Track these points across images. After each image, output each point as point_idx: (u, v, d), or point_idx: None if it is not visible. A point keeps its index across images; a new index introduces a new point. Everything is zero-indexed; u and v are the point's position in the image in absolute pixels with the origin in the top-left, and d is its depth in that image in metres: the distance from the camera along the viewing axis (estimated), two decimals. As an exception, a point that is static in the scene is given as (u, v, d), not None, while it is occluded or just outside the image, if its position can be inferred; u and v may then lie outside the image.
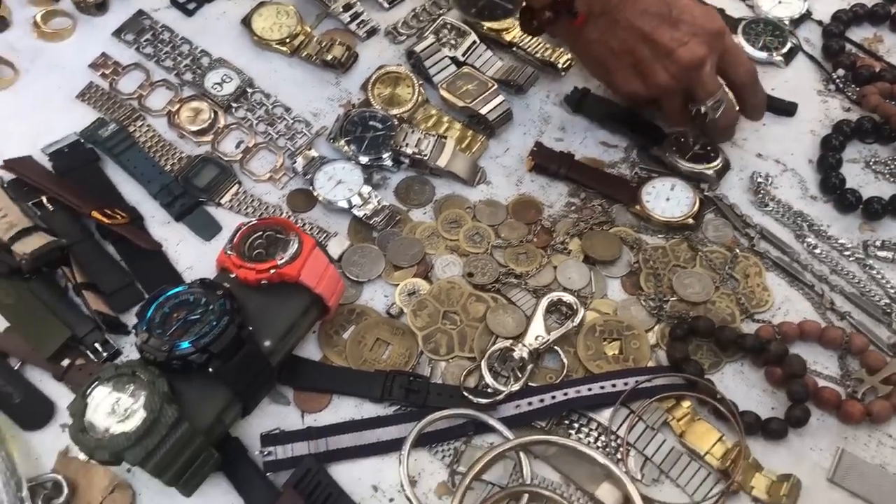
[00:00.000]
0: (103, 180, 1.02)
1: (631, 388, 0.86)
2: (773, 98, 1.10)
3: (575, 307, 0.91)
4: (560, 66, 1.11)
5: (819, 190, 1.04)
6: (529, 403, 0.86)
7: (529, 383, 0.88)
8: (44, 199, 0.97)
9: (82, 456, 0.82)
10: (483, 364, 0.88)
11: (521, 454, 0.83)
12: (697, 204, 0.99)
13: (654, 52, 0.94)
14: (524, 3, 0.99)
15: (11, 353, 0.89)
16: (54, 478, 0.82)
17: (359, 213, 0.99)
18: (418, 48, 1.09)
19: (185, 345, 0.76)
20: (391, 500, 0.82)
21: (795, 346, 0.91)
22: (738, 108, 1.02)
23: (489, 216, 1.01)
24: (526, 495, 0.81)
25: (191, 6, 1.17)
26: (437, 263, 0.97)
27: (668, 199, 1.00)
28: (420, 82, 1.09)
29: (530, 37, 1.12)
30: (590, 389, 0.87)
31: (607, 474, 0.82)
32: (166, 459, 0.74)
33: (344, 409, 0.87)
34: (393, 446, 0.84)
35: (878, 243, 0.99)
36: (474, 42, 1.12)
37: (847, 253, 0.98)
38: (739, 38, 1.15)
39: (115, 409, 0.75)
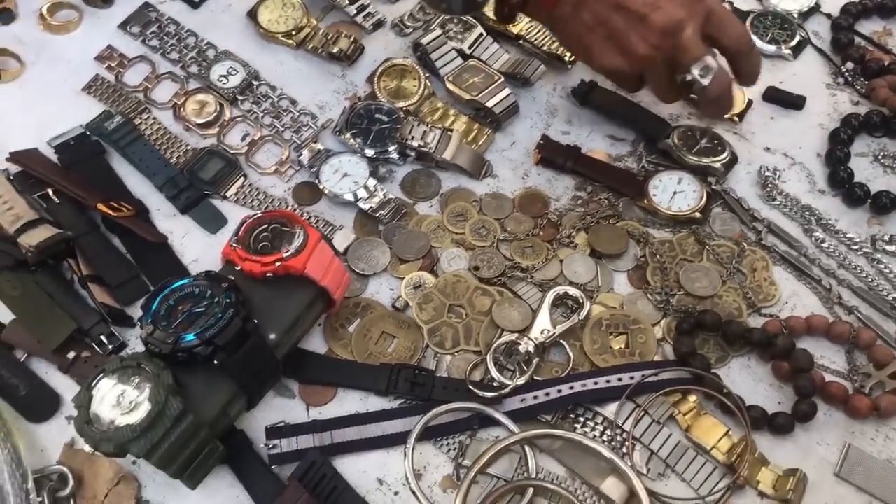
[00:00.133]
0: (109, 173, 1.02)
1: (637, 382, 0.86)
2: (781, 91, 1.10)
3: (581, 301, 0.91)
4: (567, 59, 1.11)
5: (827, 184, 1.03)
6: (535, 397, 0.86)
7: (535, 377, 0.87)
8: (49, 191, 0.97)
9: (88, 448, 0.81)
10: (489, 358, 0.87)
11: (527, 448, 0.83)
12: (704, 198, 0.99)
13: (627, 20, 0.90)
14: None
15: (17, 345, 0.89)
16: (60, 470, 0.82)
17: (364, 206, 0.99)
18: (425, 41, 1.09)
19: (190, 337, 0.76)
20: (396, 493, 0.82)
21: (802, 340, 0.91)
22: (731, 76, 0.96)
23: (495, 209, 1.00)
24: (531, 489, 0.81)
25: (197, -2, 1.17)
26: (442, 257, 0.97)
27: (675, 192, 0.99)
28: (426, 75, 1.09)
29: (535, 28, 1.11)
30: (595, 383, 0.86)
31: (613, 468, 0.81)
32: (171, 452, 0.74)
33: (349, 402, 0.87)
34: (398, 440, 0.84)
35: (886, 237, 0.98)
36: (481, 35, 1.11)
37: (855, 247, 0.98)
38: (748, 31, 1.14)
39: (121, 401, 0.75)
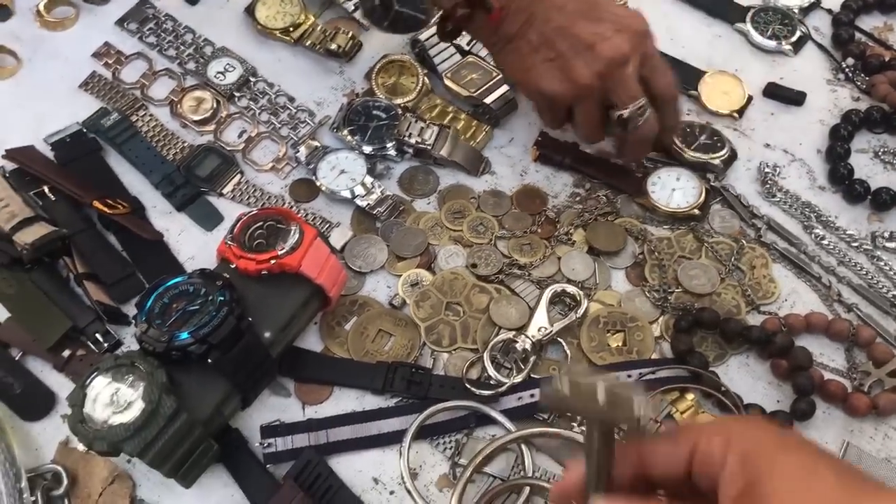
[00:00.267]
0: (105, 170, 1.01)
1: (634, 380, 0.85)
2: (781, 87, 1.09)
3: (578, 298, 0.91)
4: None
5: (827, 180, 1.03)
6: (532, 395, 0.85)
7: (532, 375, 0.87)
8: (45, 188, 0.96)
9: (82, 447, 0.82)
10: (485, 356, 0.87)
11: (523, 446, 0.82)
12: (703, 194, 0.98)
13: (574, 47, 0.88)
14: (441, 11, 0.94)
15: (12, 343, 0.89)
16: (54, 469, 0.82)
17: (362, 203, 0.98)
18: (423, 37, 1.08)
19: (184, 335, 0.76)
20: (392, 492, 0.82)
21: (801, 338, 0.91)
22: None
23: (493, 206, 1.00)
24: (527, 488, 0.81)
25: (194, -5, 1.17)
26: (440, 254, 0.96)
27: (673, 189, 0.99)
28: (424, 71, 1.08)
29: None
30: (593, 381, 0.86)
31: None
32: (165, 451, 0.73)
33: (345, 401, 0.87)
34: (394, 438, 0.84)
35: (886, 234, 0.98)
36: (479, 31, 1.11)
37: (855, 244, 0.97)
38: (748, 27, 1.14)
39: (114, 399, 0.74)
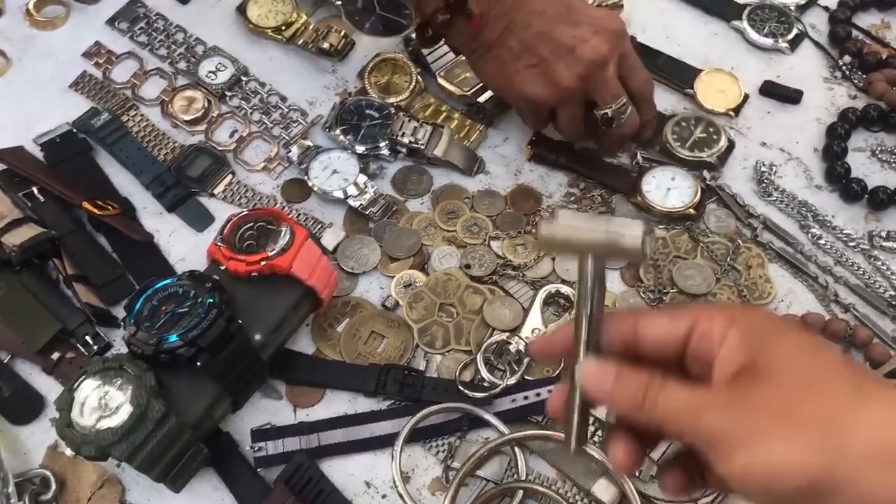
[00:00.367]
0: (95, 171, 1.00)
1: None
2: (778, 85, 1.08)
3: (573, 299, 0.90)
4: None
5: (824, 179, 1.02)
6: (525, 398, 0.85)
7: (526, 377, 0.86)
8: (35, 189, 0.95)
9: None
10: (479, 357, 0.86)
11: (517, 449, 0.82)
12: (699, 194, 0.97)
13: (555, 51, 0.89)
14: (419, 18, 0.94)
15: (1, 345, 0.88)
16: (42, 473, 0.81)
17: (354, 203, 0.97)
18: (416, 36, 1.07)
19: (172, 338, 0.75)
20: (384, 496, 0.81)
21: (798, 339, 0.90)
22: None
23: (487, 206, 0.99)
24: (521, 491, 0.80)
25: (186, -7, 1.16)
26: (433, 254, 0.95)
27: (668, 189, 0.98)
28: (417, 70, 1.07)
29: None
30: (587, 383, 0.85)
31: (604, 470, 0.80)
32: (153, 455, 0.73)
33: (337, 403, 0.86)
34: (386, 441, 0.83)
35: (883, 234, 0.97)
36: (473, 29, 1.10)
37: (852, 243, 0.96)
38: (744, 24, 1.13)
39: (102, 403, 0.74)
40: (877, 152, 1.04)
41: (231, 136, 1.04)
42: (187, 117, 1.04)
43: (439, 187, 1.01)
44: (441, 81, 1.06)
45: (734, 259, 0.95)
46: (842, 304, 0.92)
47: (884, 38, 1.14)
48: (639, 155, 1.02)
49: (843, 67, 1.11)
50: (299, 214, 0.97)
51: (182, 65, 1.08)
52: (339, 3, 1.03)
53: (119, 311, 0.90)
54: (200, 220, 0.97)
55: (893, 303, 0.92)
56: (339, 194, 0.97)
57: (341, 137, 1.01)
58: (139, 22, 1.12)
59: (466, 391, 0.84)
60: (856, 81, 1.09)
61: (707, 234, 0.97)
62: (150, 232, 0.96)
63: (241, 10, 1.12)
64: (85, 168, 1.00)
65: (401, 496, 0.79)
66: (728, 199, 0.99)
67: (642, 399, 0.53)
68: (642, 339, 0.57)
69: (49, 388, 0.86)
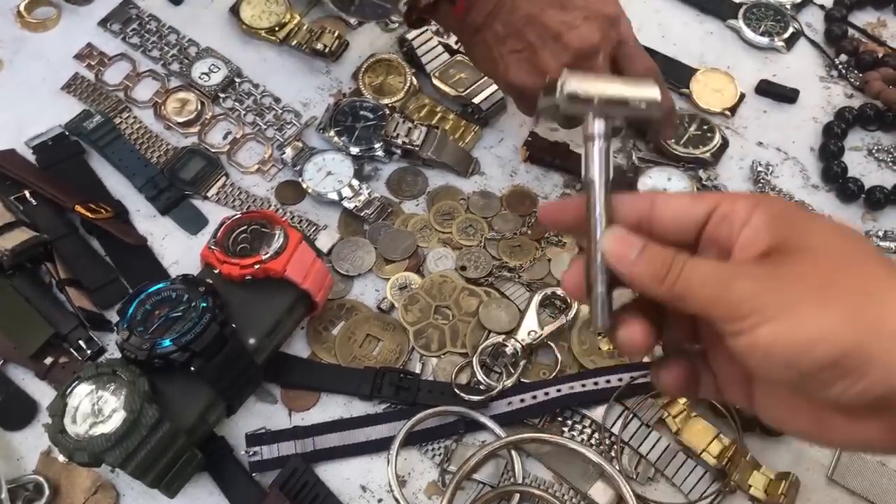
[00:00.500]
0: (88, 173, 0.99)
1: (626, 384, 0.84)
2: (774, 84, 1.08)
3: (569, 301, 0.90)
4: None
5: (821, 179, 1.02)
6: (522, 400, 0.84)
7: (522, 379, 0.86)
8: (27, 193, 0.94)
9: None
10: (475, 360, 0.86)
11: (513, 452, 0.81)
12: (695, 194, 0.97)
13: (541, 37, 0.84)
14: None
15: (-7, 351, 0.87)
16: (36, 479, 0.80)
17: (349, 205, 0.97)
18: (410, 36, 1.07)
19: (166, 343, 0.74)
20: (380, 500, 0.81)
21: (795, 339, 0.89)
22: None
23: (483, 208, 0.98)
24: (517, 495, 0.79)
25: (178, -6, 1.15)
26: (429, 257, 0.95)
27: (665, 189, 0.97)
28: (412, 71, 1.07)
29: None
30: (583, 385, 0.85)
31: (601, 473, 0.80)
32: (147, 461, 0.72)
33: (333, 407, 0.86)
34: (382, 445, 0.82)
35: (880, 233, 0.97)
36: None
37: (849, 243, 0.96)
38: (740, 23, 1.12)
39: (96, 409, 0.73)
40: (873, 151, 1.03)
41: (224, 137, 1.03)
42: (180, 119, 1.03)
43: (434, 189, 1.00)
44: (436, 82, 1.05)
45: (731, 260, 0.94)
46: (839, 305, 0.92)
47: (880, 37, 1.14)
48: (634, 155, 1.02)
49: (840, 66, 1.10)
50: (293, 216, 0.97)
51: (175, 66, 1.07)
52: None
53: (112, 316, 0.90)
54: (194, 222, 0.97)
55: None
56: (334, 196, 0.97)
57: (335, 139, 1.00)
58: (132, 23, 1.11)
59: (462, 394, 0.84)
60: (852, 80, 1.09)
61: (703, 235, 0.96)
62: (144, 235, 0.96)
63: (235, 11, 1.11)
64: (77, 171, 0.99)
65: (397, 500, 0.79)
66: (724, 200, 0.99)
67: (666, 271, 0.52)
68: (658, 219, 0.55)
69: (42, 393, 0.86)
